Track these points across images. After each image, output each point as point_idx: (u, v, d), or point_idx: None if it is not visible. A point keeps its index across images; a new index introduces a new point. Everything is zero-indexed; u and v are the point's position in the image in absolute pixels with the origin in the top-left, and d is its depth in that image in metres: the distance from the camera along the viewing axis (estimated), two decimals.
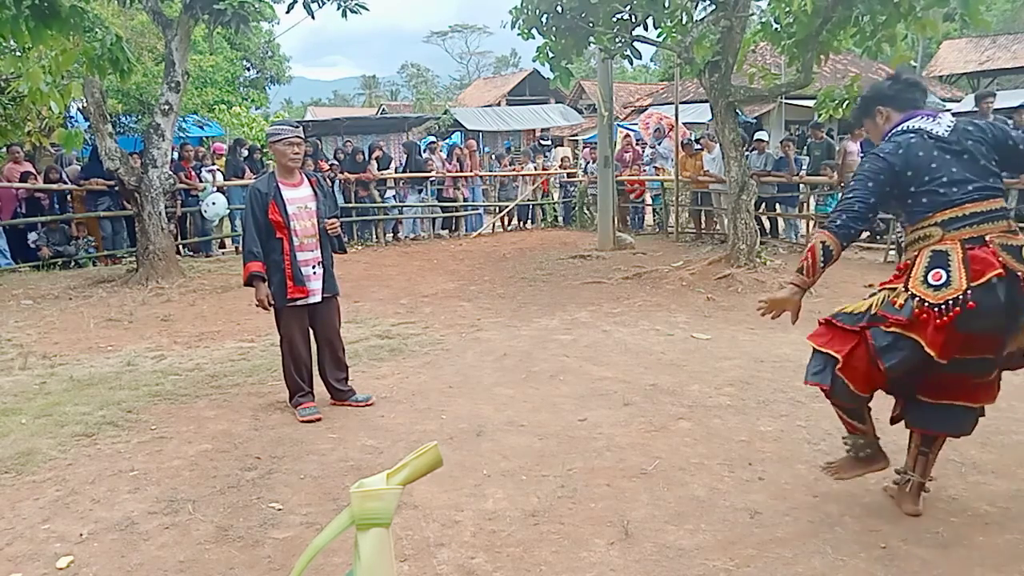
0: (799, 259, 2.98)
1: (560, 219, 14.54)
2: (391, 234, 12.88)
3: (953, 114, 3.10)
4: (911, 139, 2.88)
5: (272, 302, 4.34)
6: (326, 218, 4.45)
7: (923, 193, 2.82)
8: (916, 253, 2.83)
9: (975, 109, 9.64)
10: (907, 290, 2.77)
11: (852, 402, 2.94)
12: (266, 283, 4.32)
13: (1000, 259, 2.67)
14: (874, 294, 2.94)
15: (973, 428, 3.02)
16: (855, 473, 3.12)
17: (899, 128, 2.95)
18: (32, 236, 10.05)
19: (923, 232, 2.83)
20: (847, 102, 8.28)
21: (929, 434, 3.04)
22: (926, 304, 2.68)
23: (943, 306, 2.65)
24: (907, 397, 3.06)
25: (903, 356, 2.76)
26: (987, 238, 2.73)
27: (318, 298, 4.45)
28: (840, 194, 10.44)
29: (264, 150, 13.22)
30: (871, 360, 2.81)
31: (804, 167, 10.86)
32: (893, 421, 3.17)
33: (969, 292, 2.63)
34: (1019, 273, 2.68)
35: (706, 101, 9.59)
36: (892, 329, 2.77)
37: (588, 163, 14.19)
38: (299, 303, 4.39)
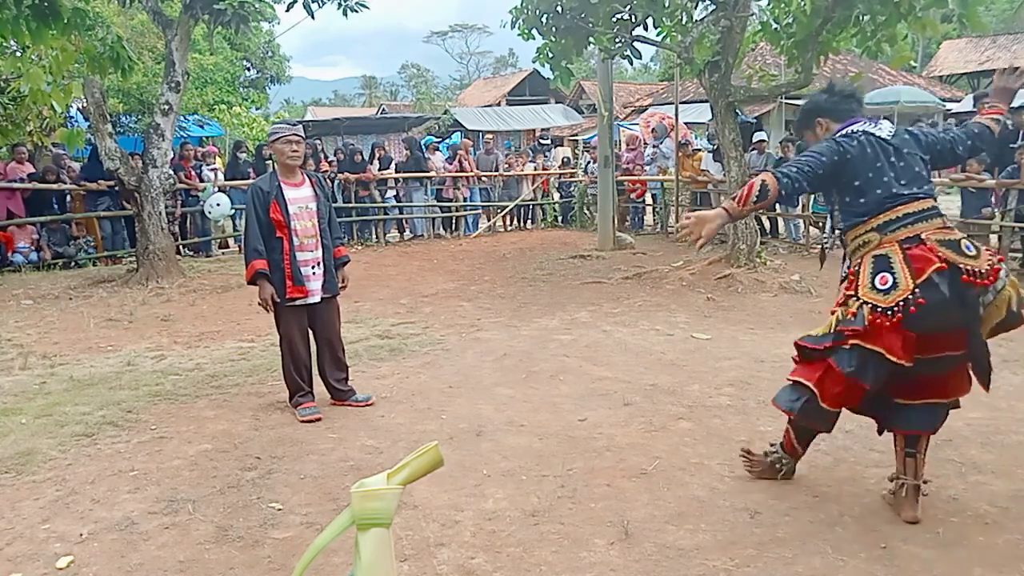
0: (739, 192, 3.03)
1: (560, 219, 14.54)
2: (391, 233, 12.88)
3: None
4: (860, 137, 2.97)
5: (276, 300, 4.34)
6: (336, 267, 4.54)
7: (863, 190, 2.90)
8: (860, 260, 2.90)
9: (974, 109, 9.64)
10: (858, 298, 2.83)
11: (821, 421, 3.04)
12: (270, 282, 4.32)
13: (939, 254, 2.74)
14: (833, 313, 2.99)
15: (943, 421, 3.07)
16: (765, 476, 3.36)
17: (844, 131, 3.03)
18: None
19: (863, 239, 2.91)
20: None
21: (913, 435, 3.03)
22: (878, 309, 2.75)
23: (894, 308, 2.71)
24: (882, 408, 3.09)
25: (875, 373, 2.83)
26: (923, 236, 2.80)
27: (317, 298, 4.44)
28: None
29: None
30: (845, 382, 2.88)
31: None
32: (880, 431, 3.22)
33: (917, 291, 2.70)
34: (960, 265, 2.73)
35: (706, 101, 9.59)
36: (853, 342, 2.83)
37: (589, 163, 14.19)
38: (298, 303, 4.39)
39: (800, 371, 3.05)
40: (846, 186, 2.95)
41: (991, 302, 2.76)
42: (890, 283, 2.75)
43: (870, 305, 2.77)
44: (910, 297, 2.69)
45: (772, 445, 3.40)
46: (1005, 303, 2.78)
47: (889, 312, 2.71)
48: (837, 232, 3.14)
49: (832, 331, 2.93)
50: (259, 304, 4.38)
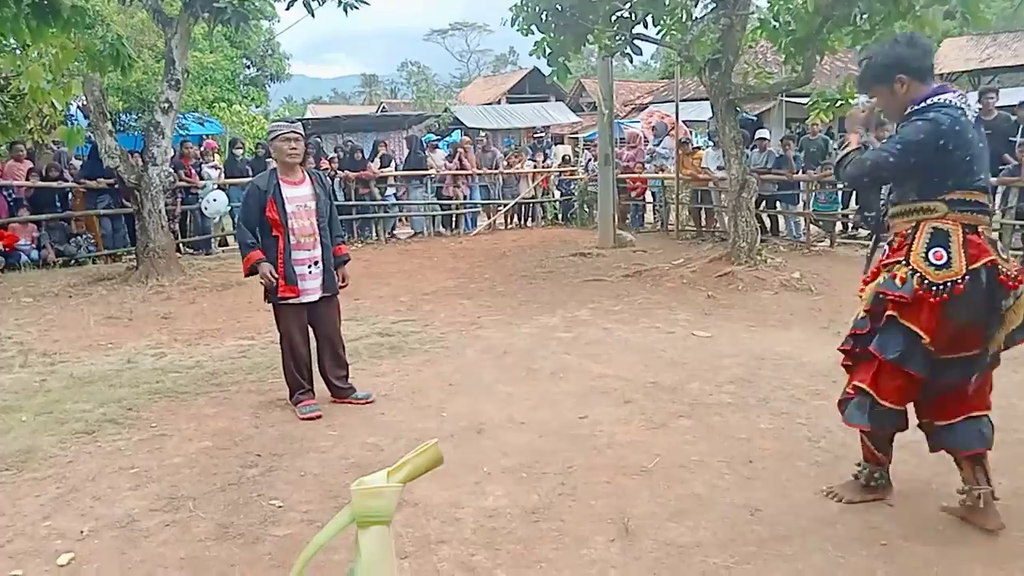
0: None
1: (560, 217, 14.52)
2: (400, 230, 12.89)
3: None
4: (961, 117, 2.73)
5: (275, 276, 4.30)
6: (336, 267, 4.51)
7: (955, 172, 2.73)
8: (914, 225, 2.79)
9: (978, 105, 9.63)
10: (908, 265, 2.74)
11: (893, 423, 2.91)
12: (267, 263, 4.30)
13: (989, 249, 2.72)
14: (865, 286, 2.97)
15: (993, 431, 2.94)
16: (862, 499, 3.09)
17: (937, 101, 2.76)
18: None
19: (926, 205, 2.77)
20: (840, 103, 8.28)
21: (976, 455, 2.92)
22: (926, 282, 2.68)
23: (941, 286, 2.66)
24: (929, 422, 3.01)
25: (920, 359, 2.75)
26: (979, 229, 2.76)
27: (315, 297, 4.43)
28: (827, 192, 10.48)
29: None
30: (896, 371, 2.80)
31: (801, 165, 10.85)
32: (932, 449, 3.08)
33: (967, 277, 2.66)
34: (999, 265, 2.71)
35: (706, 99, 9.58)
36: (891, 313, 2.77)
37: (590, 160, 14.18)
38: (293, 301, 4.38)
39: (855, 375, 2.96)
40: (936, 168, 2.74)
41: (1011, 306, 2.73)
42: (944, 260, 2.68)
43: (919, 275, 2.69)
44: (959, 280, 2.64)
45: (858, 465, 3.16)
46: (1022, 309, 2.75)
47: (934, 288, 2.66)
48: (884, 204, 2.99)
49: (871, 301, 2.86)
50: (261, 283, 4.35)
